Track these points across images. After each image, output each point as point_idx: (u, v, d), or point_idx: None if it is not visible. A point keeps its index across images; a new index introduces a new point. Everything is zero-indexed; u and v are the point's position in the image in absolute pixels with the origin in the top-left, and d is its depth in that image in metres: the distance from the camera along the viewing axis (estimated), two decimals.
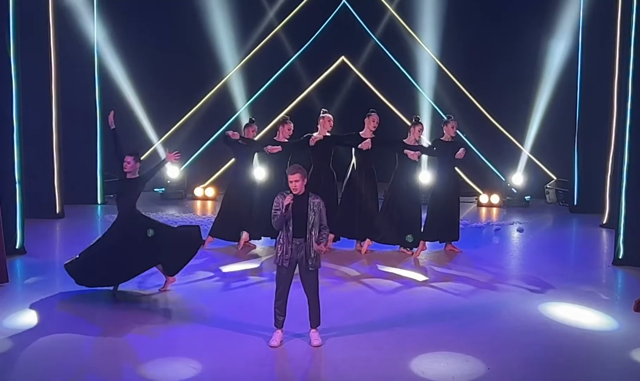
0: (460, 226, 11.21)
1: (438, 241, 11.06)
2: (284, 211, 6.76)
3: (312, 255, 6.89)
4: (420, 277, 9.75)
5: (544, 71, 15.86)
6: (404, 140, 10.65)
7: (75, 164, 14.38)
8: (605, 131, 13.47)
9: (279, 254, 6.94)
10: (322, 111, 10.99)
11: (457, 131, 10.91)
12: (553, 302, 8.46)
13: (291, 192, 6.82)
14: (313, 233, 6.86)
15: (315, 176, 10.67)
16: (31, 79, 12.00)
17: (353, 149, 10.84)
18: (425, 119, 15.82)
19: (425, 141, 14.63)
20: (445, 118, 10.94)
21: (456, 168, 11.03)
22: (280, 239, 6.95)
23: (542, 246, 11.97)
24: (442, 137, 10.82)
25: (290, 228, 6.86)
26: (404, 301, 8.65)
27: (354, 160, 10.93)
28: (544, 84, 15.86)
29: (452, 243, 11.07)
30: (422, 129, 10.77)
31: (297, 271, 6.99)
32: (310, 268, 6.91)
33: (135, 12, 16.05)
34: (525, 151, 16.26)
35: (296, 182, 6.79)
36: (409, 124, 11.03)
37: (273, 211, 6.86)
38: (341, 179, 11.03)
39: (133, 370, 6.45)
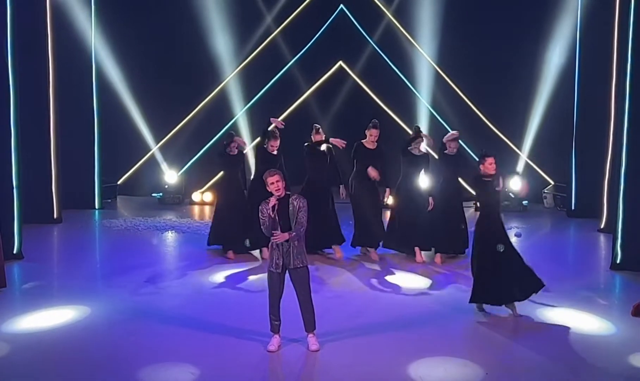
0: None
1: (451, 253, 10.99)
2: (271, 212, 6.81)
3: (295, 251, 6.89)
4: (418, 281, 9.75)
5: (542, 75, 15.90)
6: (409, 149, 10.66)
7: (73, 169, 14.41)
8: (602, 135, 13.47)
9: (270, 260, 6.98)
10: (316, 129, 10.91)
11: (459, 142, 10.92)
12: (551, 307, 8.45)
13: (273, 195, 6.88)
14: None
15: (310, 186, 10.67)
16: (29, 84, 12.04)
17: (355, 160, 10.83)
18: (424, 124, 15.83)
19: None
20: (455, 133, 10.86)
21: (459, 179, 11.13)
22: (271, 245, 6.98)
23: (539, 251, 11.94)
24: (445, 150, 10.78)
25: (279, 232, 6.90)
26: (401, 305, 8.64)
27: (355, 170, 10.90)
28: (541, 88, 15.89)
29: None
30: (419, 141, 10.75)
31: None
32: (299, 265, 6.91)
33: (133, 17, 16.10)
34: (523, 156, 16.28)
35: (277, 182, 6.84)
36: (408, 130, 11.01)
37: (261, 220, 6.91)
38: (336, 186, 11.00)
39: (131, 376, 6.43)
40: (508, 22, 15.82)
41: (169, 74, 16.36)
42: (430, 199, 10.66)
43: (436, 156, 11.14)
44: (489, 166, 8.15)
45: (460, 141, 10.95)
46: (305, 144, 10.87)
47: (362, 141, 10.79)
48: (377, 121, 10.88)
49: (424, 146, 10.88)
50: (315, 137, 10.82)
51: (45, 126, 13.32)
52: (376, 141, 10.80)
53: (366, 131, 10.76)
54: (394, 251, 11.04)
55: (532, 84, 15.95)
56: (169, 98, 16.38)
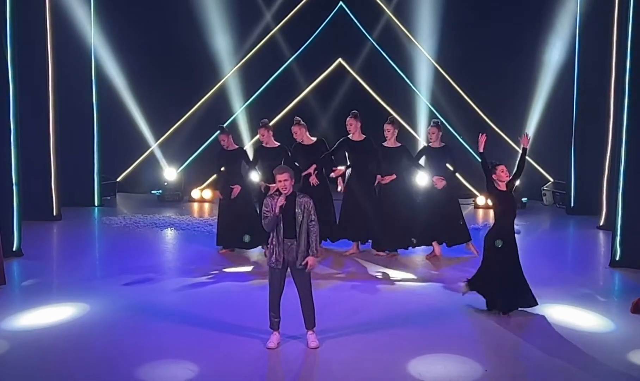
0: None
1: (446, 244, 10.99)
2: (277, 211, 6.79)
3: (302, 255, 6.90)
4: (417, 278, 9.76)
5: (541, 72, 15.89)
6: (384, 143, 10.60)
7: (73, 166, 14.42)
8: (602, 132, 13.47)
9: (270, 256, 6.98)
10: (296, 121, 10.83)
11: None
12: (550, 304, 8.45)
13: (280, 192, 6.86)
14: (302, 232, 6.88)
15: (305, 184, 10.68)
16: (28, 81, 12.04)
17: (347, 153, 10.78)
18: (422, 121, 15.84)
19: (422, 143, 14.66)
20: (432, 123, 10.88)
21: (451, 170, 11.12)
22: (272, 241, 6.98)
23: (539, 248, 11.97)
24: (429, 142, 10.82)
25: (281, 229, 6.89)
26: (401, 302, 8.65)
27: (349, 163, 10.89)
28: (541, 85, 15.88)
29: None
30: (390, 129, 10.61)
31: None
32: (299, 266, 6.92)
33: (132, 15, 16.09)
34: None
35: (285, 181, 6.82)
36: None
37: (264, 213, 6.90)
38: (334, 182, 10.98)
39: (130, 373, 6.43)
40: (507, 19, 15.82)
41: (168, 71, 16.36)
42: (435, 179, 10.54)
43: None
44: (501, 173, 8.22)
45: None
46: (293, 145, 10.84)
47: (348, 135, 10.69)
48: (355, 111, 10.69)
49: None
50: (293, 130, 10.72)
51: (44, 123, 13.30)
52: (362, 133, 10.64)
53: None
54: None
55: (531, 80, 15.93)
56: (168, 95, 16.38)
